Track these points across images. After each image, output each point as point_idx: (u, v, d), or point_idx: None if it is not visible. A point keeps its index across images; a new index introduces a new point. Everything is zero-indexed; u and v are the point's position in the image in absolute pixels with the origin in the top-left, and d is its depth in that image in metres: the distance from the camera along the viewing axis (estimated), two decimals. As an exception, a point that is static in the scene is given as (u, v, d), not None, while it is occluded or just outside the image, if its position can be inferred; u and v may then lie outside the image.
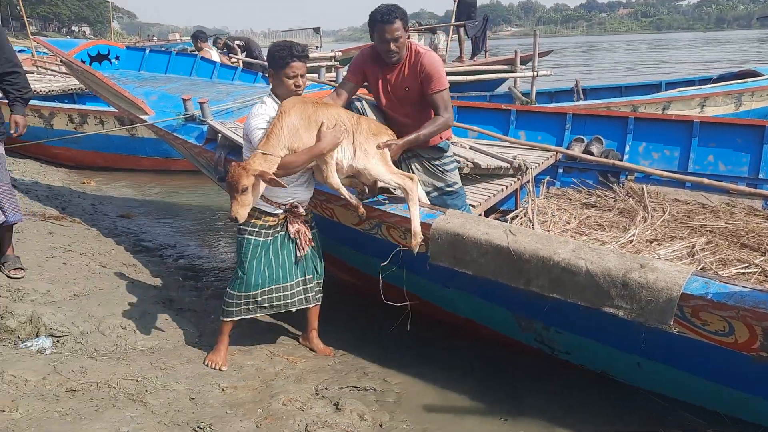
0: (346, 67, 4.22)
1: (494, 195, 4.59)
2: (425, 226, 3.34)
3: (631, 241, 4.25)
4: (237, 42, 12.02)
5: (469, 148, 5.06)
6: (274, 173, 3.18)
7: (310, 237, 3.68)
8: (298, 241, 3.60)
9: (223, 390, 3.33)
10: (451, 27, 14.13)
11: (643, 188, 5.18)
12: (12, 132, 4.14)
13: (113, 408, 2.93)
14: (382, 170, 3.43)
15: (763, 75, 9.34)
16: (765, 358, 2.58)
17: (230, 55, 11.61)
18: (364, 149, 3.43)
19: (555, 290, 2.90)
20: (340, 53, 14.19)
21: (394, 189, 3.58)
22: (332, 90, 4.07)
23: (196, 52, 10.18)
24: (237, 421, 3.01)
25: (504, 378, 3.63)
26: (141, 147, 9.10)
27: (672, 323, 2.63)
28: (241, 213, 3.16)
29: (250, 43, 12.43)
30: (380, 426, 3.17)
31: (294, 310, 3.71)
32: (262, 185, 3.23)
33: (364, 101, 3.95)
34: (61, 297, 4.02)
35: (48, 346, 3.48)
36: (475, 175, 4.84)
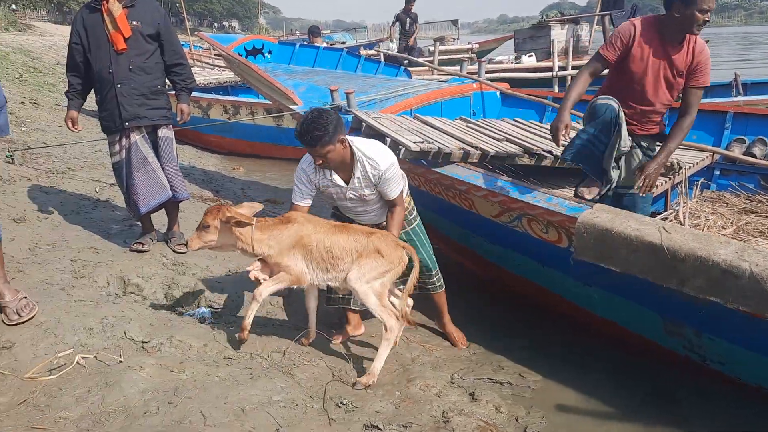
0: (484, 60, 4.19)
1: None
2: (571, 220, 3.26)
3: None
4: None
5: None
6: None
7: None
8: None
9: (363, 370, 3.45)
10: (596, 17, 13.54)
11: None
12: (178, 119, 4.53)
13: (265, 377, 3.13)
14: (373, 300, 3.29)
15: None
16: None
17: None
18: (364, 271, 3.30)
19: (713, 293, 2.73)
20: (477, 45, 14.10)
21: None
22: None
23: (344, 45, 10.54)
24: (377, 401, 3.12)
25: (644, 385, 3.47)
26: (286, 136, 9.58)
27: None
28: (194, 244, 3.29)
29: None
30: (516, 420, 3.16)
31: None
32: (241, 238, 3.28)
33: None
34: (218, 273, 4.35)
35: (208, 316, 3.79)
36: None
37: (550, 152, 4.28)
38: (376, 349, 3.39)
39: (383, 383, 3.33)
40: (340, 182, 3.47)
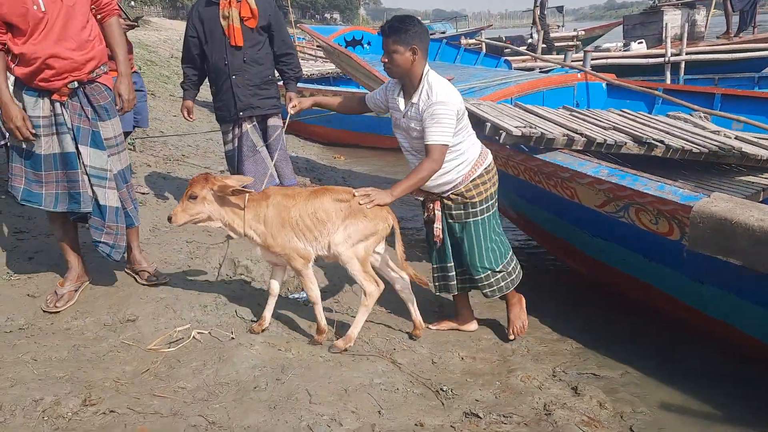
0: (590, 48, 4.00)
1: (764, 189, 4.09)
2: (685, 209, 3.10)
3: None
4: None
5: (734, 138, 4.55)
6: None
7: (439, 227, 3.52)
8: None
9: (462, 359, 3.45)
10: (713, 1, 12.73)
11: None
12: (289, 108, 4.68)
13: (367, 361, 3.21)
14: (356, 266, 3.21)
15: None
16: None
17: None
18: (350, 233, 3.19)
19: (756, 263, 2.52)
20: (583, 32, 13.63)
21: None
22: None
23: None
24: (476, 389, 3.11)
25: (756, 393, 3.23)
26: (384, 126, 9.68)
27: None
28: (179, 218, 3.13)
29: None
30: (621, 417, 3.06)
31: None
32: (229, 213, 3.17)
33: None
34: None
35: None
36: (741, 167, 4.38)
37: (661, 141, 4.08)
38: (480, 339, 3.36)
39: (483, 372, 3.32)
40: (401, 105, 3.34)
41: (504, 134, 3.87)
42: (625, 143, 4.04)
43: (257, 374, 2.96)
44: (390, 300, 4.08)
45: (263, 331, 3.36)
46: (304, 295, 3.94)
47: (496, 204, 3.61)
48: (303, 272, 3.26)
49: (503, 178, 4.45)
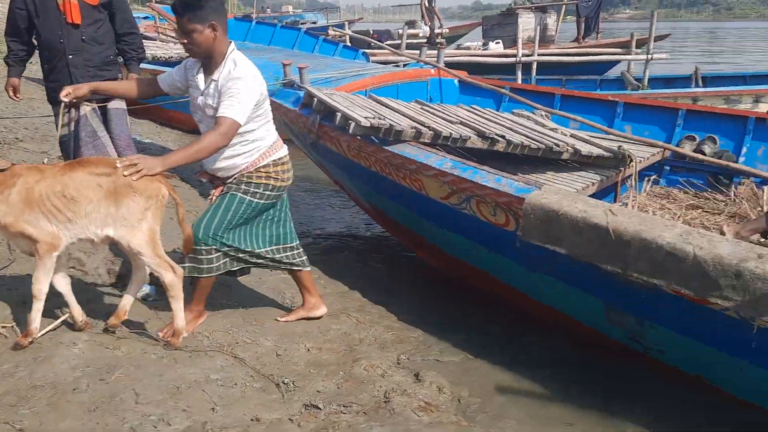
0: (450, 47, 4.10)
1: (593, 184, 4.40)
2: (519, 201, 3.24)
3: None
4: None
5: (570, 136, 4.86)
6: None
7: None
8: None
9: (308, 350, 3.39)
10: (564, 6, 13.63)
11: (763, 191, 4.73)
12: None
13: (206, 356, 3.05)
14: (146, 251, 2.91)
15: None
16: None
17: None
18: (123, 214, 2.84)
19: (656, 276, 2.74)
20: (447, 30, 14.05)
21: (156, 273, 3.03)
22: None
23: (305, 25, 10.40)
24: (319, 381, 3.06)
25: (590, 377, 3.45)
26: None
27: (788, 320, 2.42)
28: None
29: None
30: (458, 401, 3.14)
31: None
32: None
33: None
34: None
35: (152, 294, 3.68)
36: (575, 162, 4.68)
37: (503, 137, 4.26)
38: (329, 330, 3.29)
39: (328, 363, 3.28)
40: (201, 83, 3.16)
41: (353, 124, 3.86)
42: (470, 137, 4.18)
43: (78, 375, 2.72)
44: (232, 290, 3.95)
45: (30, 343, 2.91)
46: (144, 289, 3.69)
47: (272, 200, 3.41)
48: (43, 260, 2.80)
49: (356, 169, 4.47)
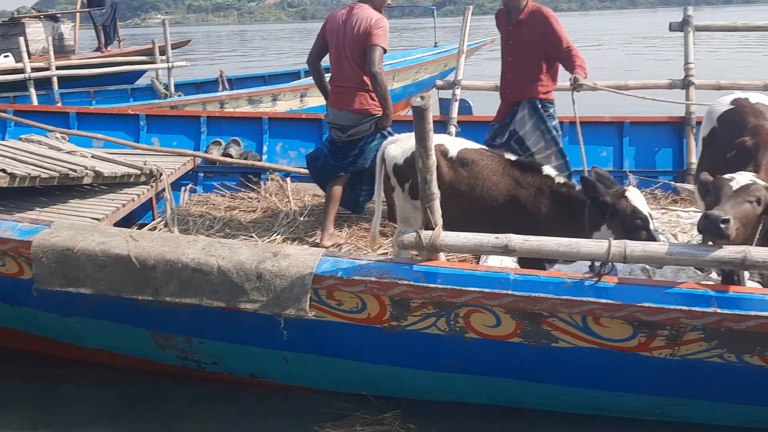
0: None
1: (124, 205, 4.12)
2: (25, 245, 2.77)
3: (274, 240, 4.23)
4: None
5: (91, 157, 4.46)
6: None
7: None
8: None
9: None
10: (78, 14, 12.68)
11: (286, 183, 5.17)
12: None
13: None
14: None
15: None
16: (395, 327, 2.70)
17: None
18: None
19: (187, 295, 2.65)
20: None
21: None
22: None
23: None
24: None
25: (154, 407, 3.24)
26: None
27: (308, 308, 2.59)
28: None
29: None
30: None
31: None
32: None
33: None
34: None
35: None
36: (101, 186, 4.31)
37: (2, 170, 3.62)
38: None
39: None
40: None
41: None
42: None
43: None
44: None
45: None
46: None
47: None
48: None
49: None
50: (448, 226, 2.56)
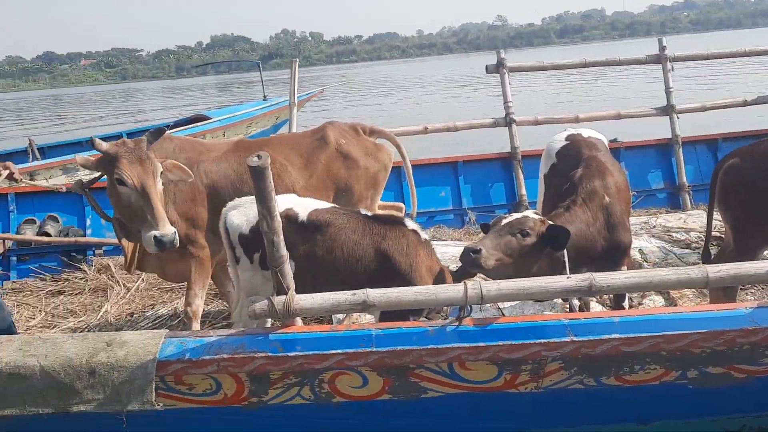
0: None
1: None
2: None
3: (108, 320, 3.82)
4: None
5: None
6: None
7: None
8: None
9: None
10: None
11: (109, 263, 4.71)
12: None
13: None
14: None
15: (212, 118, 10.14)
16: (256, 404, 2.48)
17: None
18: None
19: (3, 406, 2.24)
20: None
21: None
22: None
23: None
24: None
25: None
26: None
27: (155, 399, 2.29)
28: None
29: None
30: None
31: None
32: None
33: None
34: None
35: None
36: None
37: None
38: None
39: None
40: None
41: None
42: None
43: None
44: None
45: None
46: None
47: None
48: None
49: None
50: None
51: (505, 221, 2.88)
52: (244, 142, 3.84)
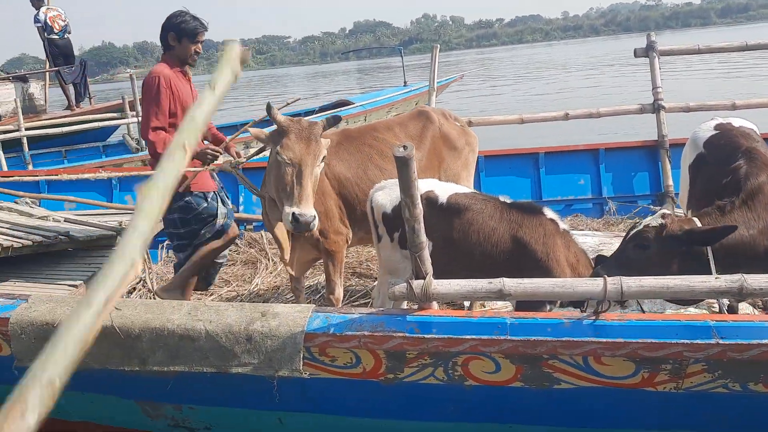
0: None
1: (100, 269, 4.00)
2: (2, 322, 2.65)
3: (258, 292, 4.15)
4: None
5: (64, 221, 4.35)
6: None
7: None
8: None
9: None
10: (47, 74, 12.57)
11: (262, 235, 5.10)
12: None
13: None
14: None
15: (354, 103, 10.52)
16: (392, 380, 2.62)
17: None
18: None
19: (176, 363, 2.55)
20: None
21: None
22: None
23: None
24: None
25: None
26: None
27: (302, 367, 2.50)
28: None
29: None
30: None
31: None
32: None
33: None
34: None
35: None
36: (82, 248, 4.20)
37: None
38: None
39: None
40: None
41: None
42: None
43: None
44: None
45: None
46: None
47: None
48: None
49: None
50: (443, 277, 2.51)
51: (628, 236, 2.88)
52: (351, 131, 4.03)
